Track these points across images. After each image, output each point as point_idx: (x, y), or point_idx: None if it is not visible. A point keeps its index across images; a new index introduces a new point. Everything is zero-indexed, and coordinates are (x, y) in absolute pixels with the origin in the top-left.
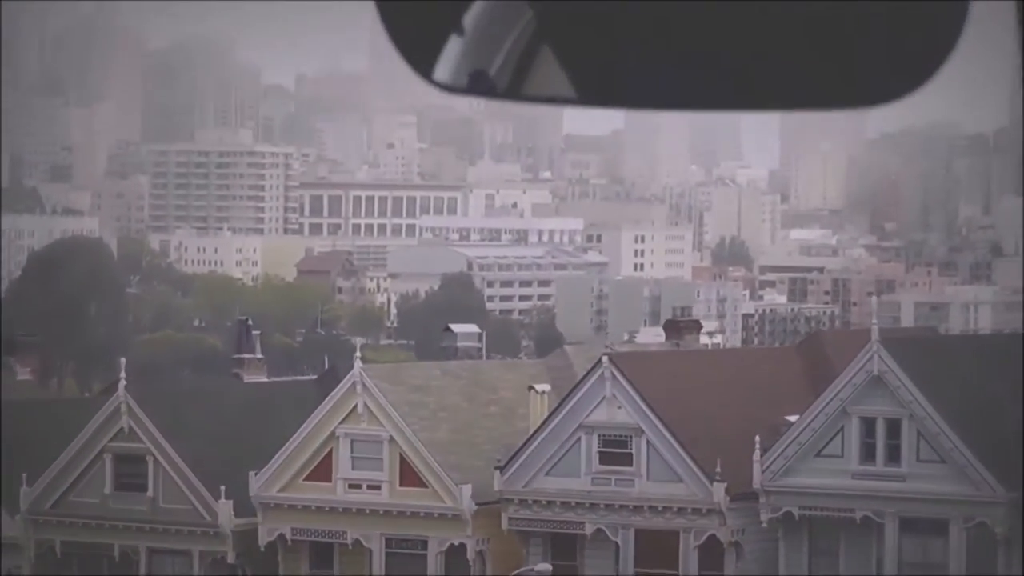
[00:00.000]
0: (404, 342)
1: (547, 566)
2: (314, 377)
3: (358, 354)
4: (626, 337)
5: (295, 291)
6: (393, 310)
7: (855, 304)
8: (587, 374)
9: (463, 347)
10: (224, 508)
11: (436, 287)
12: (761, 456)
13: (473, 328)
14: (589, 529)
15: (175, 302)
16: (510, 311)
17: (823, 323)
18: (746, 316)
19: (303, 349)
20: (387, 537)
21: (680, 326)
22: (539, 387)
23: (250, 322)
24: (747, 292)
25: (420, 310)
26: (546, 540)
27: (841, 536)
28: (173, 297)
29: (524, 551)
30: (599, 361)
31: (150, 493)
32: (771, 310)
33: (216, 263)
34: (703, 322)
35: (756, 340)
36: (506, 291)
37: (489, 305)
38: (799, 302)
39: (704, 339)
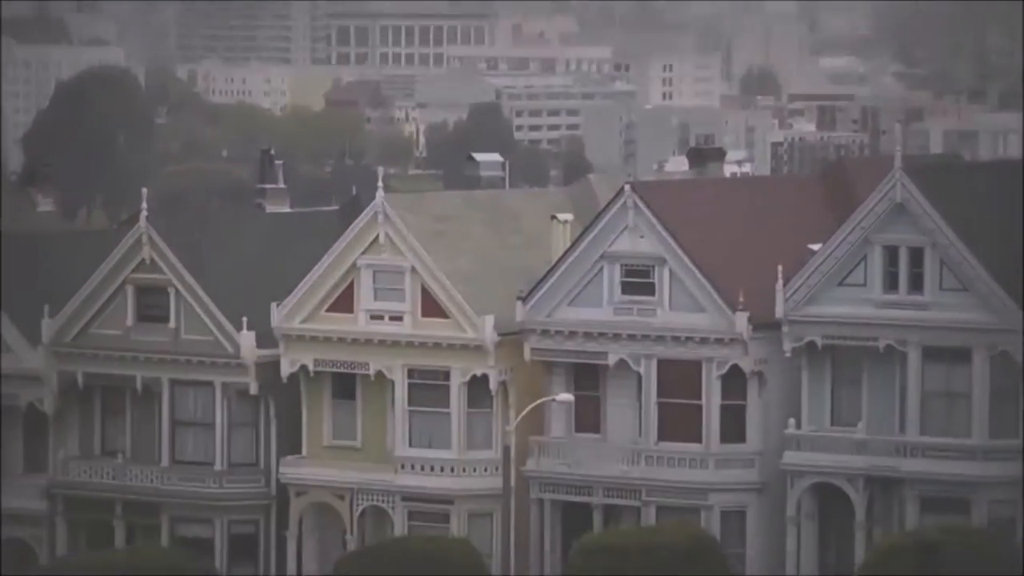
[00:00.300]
0: (432, 172)
1: (569, 396)
2: (336, 208)
3: (380, 184)
4: (655, 167)
5: (323, 121)
6: (422, 140)
7: (884, 132)
8: (609, 203)
9: (486, 176)
10: (246, 339)
11: (464, 116)
12: (784, 285)
13: (496, 157)
14: (612, 359)
15: (203, 133)
16: (538, 141)
17: (852, 151)
18: (774, 145)
19: (331, 180)
20: (409, 368)
21: (704, 154)
22: (562, 216)
23: (272, 152)
24: (776, 121)
25: (449, 140)
26: (568, 370)
27: (864, 365)
28: (201, 128)
29: (547, 381)
30: (621, 190)
31: (172, 324)
32: (800, 139)
33: (244, 93)
34: (731, 152)
35: (785, 169)
36: (534, 120)
37: (518, 135)
38: (828, 130)
39: (732, 168)
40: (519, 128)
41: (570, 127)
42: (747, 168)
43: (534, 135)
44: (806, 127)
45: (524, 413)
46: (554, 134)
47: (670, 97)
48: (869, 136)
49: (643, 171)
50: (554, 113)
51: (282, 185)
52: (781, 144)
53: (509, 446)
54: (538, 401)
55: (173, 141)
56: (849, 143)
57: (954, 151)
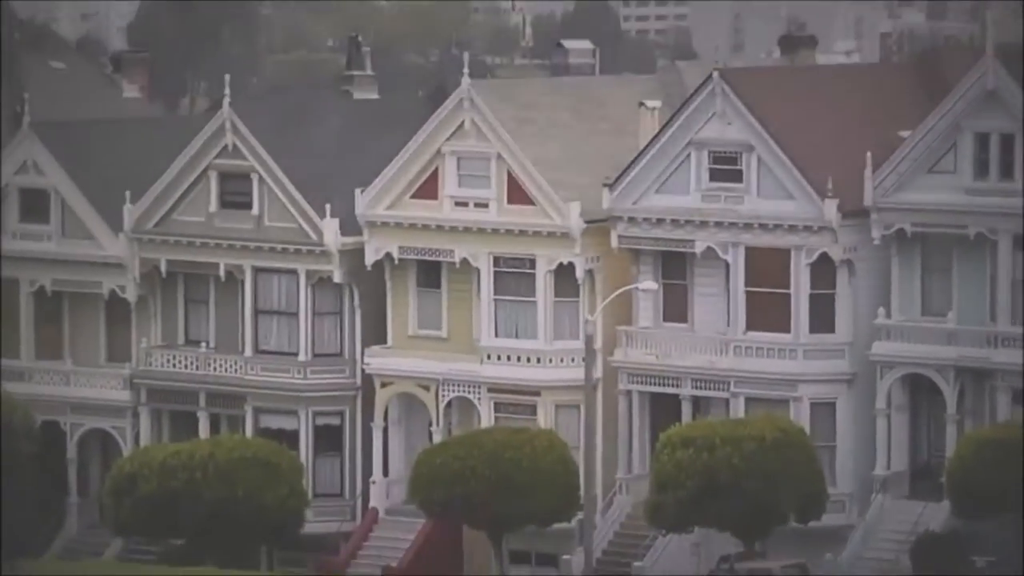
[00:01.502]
0: (539, 62)
1: (652, 284)
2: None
3: (465, 70)
4: (763, 56)
5: (430, 11)
6: (528, 30)
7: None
8: (697, 89)
9: (575, 63)
10: (330, 226)
11: (572, 8)
12: (873, 172)
13: (586, 44)
14: (699, 247)
15: (309, 23)
16: (646, 31)
17: (962, 43)
18: (884, 35)
19: (437, 70)
20: (495, 256)
21: (795, 42)
22: (649, 103)
23: (360, 38)
24: (886, 11)
25: (556, 31)
26: (656, 258)
27: (954, 253)
28: (307, 18)
29: (634, 269)
30: (709, 76)
31: (255, 211)
32: (910, 30)
33: None
34: (841, 42)
35: (894, 60)
36: (642, 11)
37: (625, 25)
38: (938, 20)
39: (841, 59)
40: (627, 19)
41: (678, 17)
42: (855, 59)
43: (642, 25)
44: (916, 17)
45: (607, 302)
46: (662, 24)
47: None
48: (980, 27)
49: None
50: (662, 3)
51: (370, 72)
52: (890, 35)
53: (591, 335)
54: (621, 289)
55: (278, 31)
56: (959, 34)
57: None
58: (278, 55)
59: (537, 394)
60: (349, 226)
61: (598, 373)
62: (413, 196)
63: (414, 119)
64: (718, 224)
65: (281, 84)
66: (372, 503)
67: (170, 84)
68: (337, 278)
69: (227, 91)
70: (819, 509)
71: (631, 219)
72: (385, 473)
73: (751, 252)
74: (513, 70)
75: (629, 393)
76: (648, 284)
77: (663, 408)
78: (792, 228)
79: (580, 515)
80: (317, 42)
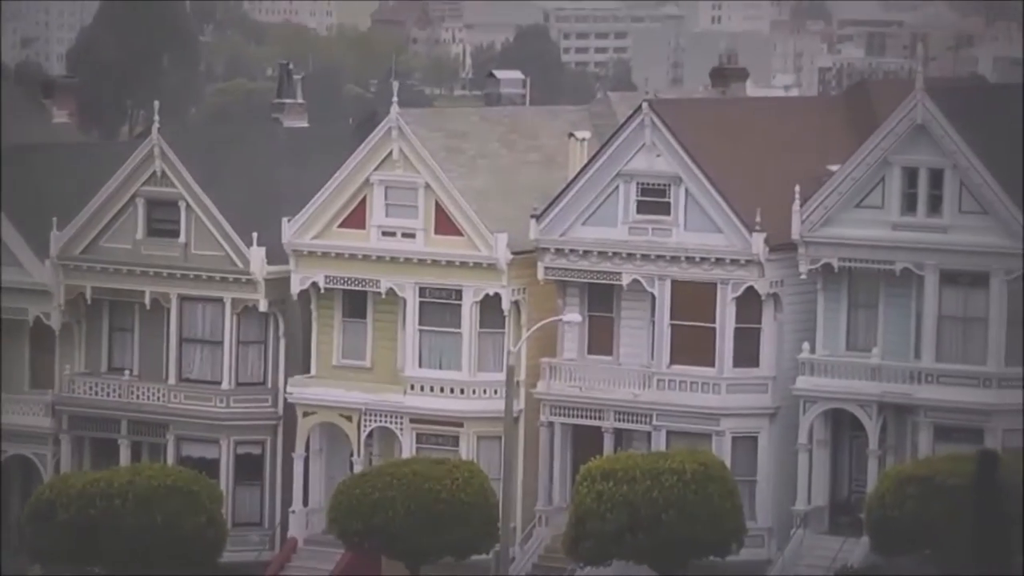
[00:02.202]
0: (479, 92)
1: (577, 316)
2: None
3: (395, 98)
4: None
5: (369, 41)
6: (468, 61)
7: (934, 59)
8: (627, 121)
9: (507, 93)
10: (256, 255)
11: (512, 38)
12: (801, 206)
13: (516, 74)
14: (626, 279)
15: (248, 51)
16: (585, 63)
17: (901, 77)
18: (823, 70)
19: (377, 100)
20: (421, 286)
21: (726, 74)
22: (579, 134)
23: (291, 66)
24: (825, 46)
25: (495, 61)
26: (582, 290)
27: (880, 289)
28: (246, 46)
29: (560, 301)
30: (639, 108)
31: (182, 239)
32: (848, 64)
33: (290, 12)
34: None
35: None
36: (582, 43)
37: (565, 57)
38: (877, 56)
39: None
40: (566, 50)
41: (617, 50)
42: (794, 93)
43: (581, 57)
44: (855, 52)
45: (529, 334)
46: (601, 57)
47: (719, 21)
48: (919, 62)
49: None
50: (602, 35)
51: (300, 100)
52: (829, 69)
53: (513, 367)
54: (544, 321)
55: (218, 59)
56: (898, 69)
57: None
58: (218, 83)
59: (460, 425)
60: (276, 255)
61: (521, 405)
62: (340, 225)
63: (344, 148)
64: (645, 256)
65: (220, 112)
66: (291, 532)
67: (109, 111)
68: (263, 307)
69: (156, 117)
70: (738, 543)
71: (558, 251)
72: (305, 503)
73: (677, 285)
74: (452, 100)
75: (551, 425)
76: (572, 316)
77: (585, 440)
78: (719, 261)
79: (498, 547)
80: (257, 70)
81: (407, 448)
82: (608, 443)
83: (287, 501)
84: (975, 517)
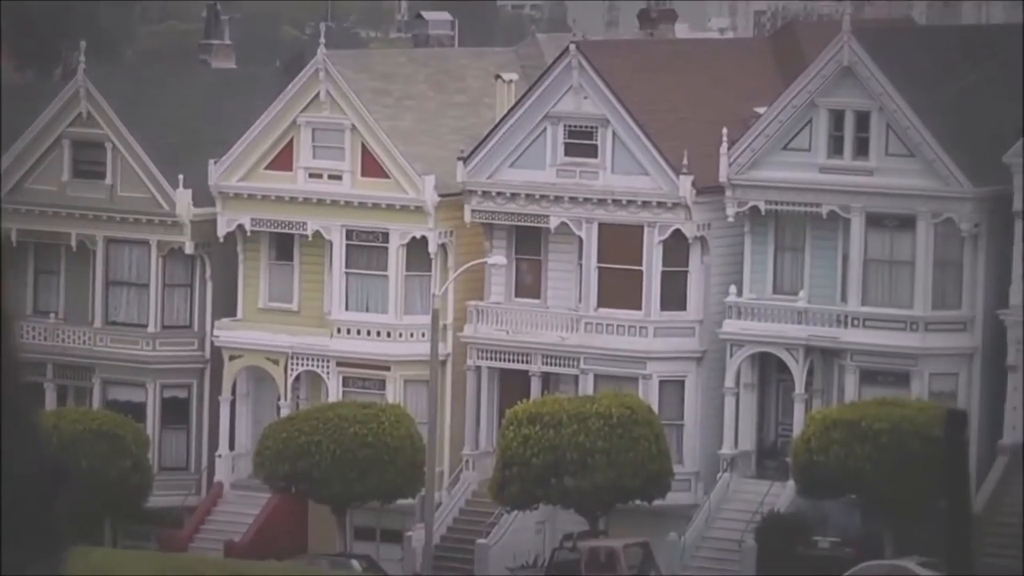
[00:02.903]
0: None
1: (501, 259)
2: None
3: (322, 40)
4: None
5: None
6: (404, 4)
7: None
8: (554, 63)
9: (435, 35)
10: (183, 197)
11: None
12: (728, 149)
13: (445, 15)
14: (553, 222)
15: None
16: (521, 6)
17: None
18: (758, 13)
19: (310, 42)
20: (348, 228)
21: (653, 15)
22: (506, 76)
23: (219, 7)
24: None
25: (431, 4)
26: (510, 233)
27: (807, 231)
28: None
29: (487, 244)
30: (566, 49)
31: (108, 181)
32: (784, 7)
33: None
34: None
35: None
36: None
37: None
38: None
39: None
40: None
41: None
42: (729, 36)
43: (518, 1)
44: None
45: (454, 277)
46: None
47: None
48: (854, 7)
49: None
50: None
51: (228, 41)
52: (764, 13)
53: (437, 310)
54: (468, 264)
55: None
56: (833, 12)
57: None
58: (152, 25)
59: (386, 369)
60: (202, 197)
61: (448, 348)
62: (267, 167)
63: (272, 90)
64: (572, 199)
65: (155, 54)
66: (217, 477)
67: (44, 53)
68: (189, 249)
69: (82, 58)
70: (664, 487)
71: (485, 193)
72: (231, 447)
73: (604, 228)
74: (387, 43)
75: (478, 369)
76: (497, 259)
77: (513, 384)
78: (646, 204)
79: (423, 491)
80: (192, 13)
81: (334, 392)
82: (535, 387)
83: (214, 445)
84: (944, 477)
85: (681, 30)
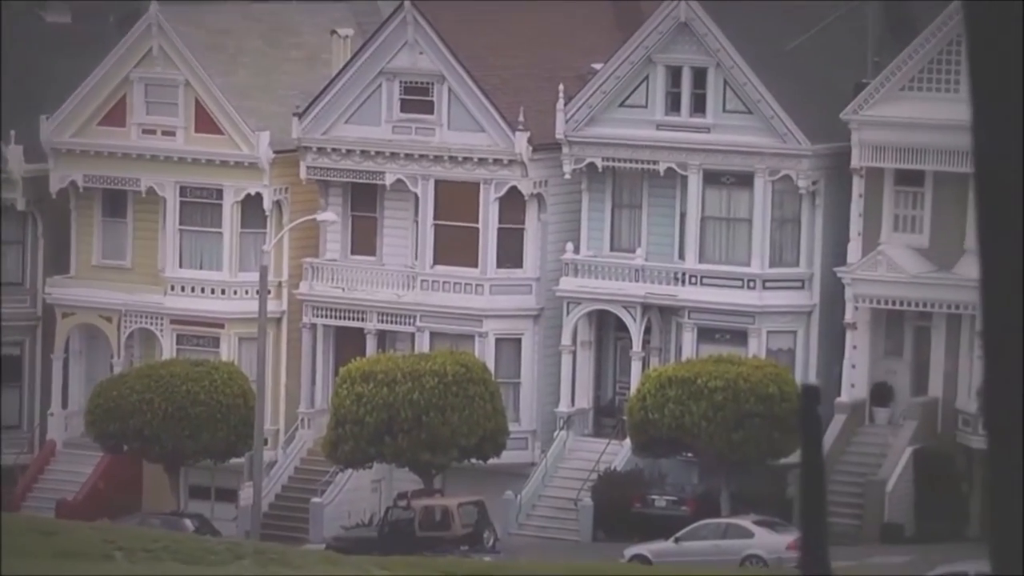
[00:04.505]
0: None
1: (332, 215)
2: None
3: None
4: None
5: None
6: None
7: None
8: (389, 18)
9: None
10: (14, 153)
11: None
12: (565, 105)
13: None
14: (389, 179)
15: None
16: None
17: None
18: None
19: None
20: (181, 185)
21: None
22: (342, 31)
23: None
24: None
25: None
26: (345, 190)
27: (644, 188)
28: None
29: (322, 201)
30: (401, 4)
31: None
32: None
33: None
34: None
35: None
36: None
37: None
38: None
39: None
40: None
41: None
42: None
43: None
44: None
45: (282, 233)
46: None
47: None
48: None
49: None
50: None
51: None
52: None
53: (266, 267)
54: (299, 220)
55: None
56: None
57: None
58: None
59: (220, 326)
60: (34, 153)
61: (283, 306)
62: (100, 123)
63: (106, 44)
64: (408, 156)
65: None
66: (50, 435)
67: None
68: (20, 206)
69: None
70: (500, 446)
71: (320, 149)
72: (64, 405)
73: (441, 185)
74: None
75: (313, 326)
76: (326, 215)
77: (349, 342)
78: (482, 161)
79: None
80: None
81: (168, 350)
82: (371, 344)
83: (47, 403)
84: (801, 453)
85: None
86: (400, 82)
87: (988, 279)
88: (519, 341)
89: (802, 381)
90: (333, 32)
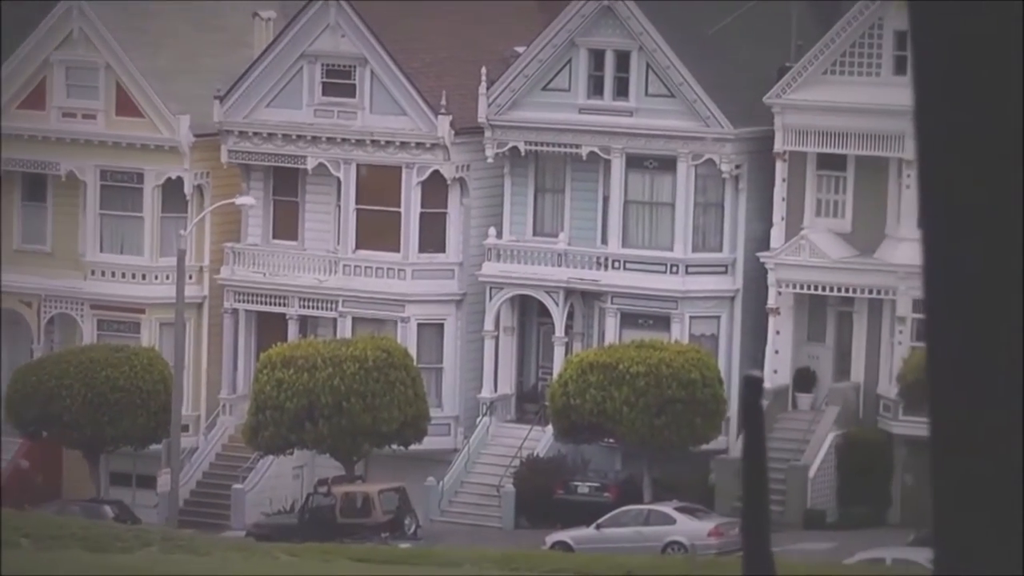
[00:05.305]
0: None
1: (249, 199)
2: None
3: None
4: None
5: None
6: None
7: None
8: (310, 0)
9: None
10: None
11: None
12: (487, 89)
13: None
14: (311, 163)
15: None
16: None
17: None
18: None
19: None
20: (102, 169)
21: None
22: (264, 13)
23: None
24: None
25: None
26: (267, 174)
27: (567, 172)
28: None
29: (244, 185)
30: None
31: None
32: None
33: None
34: None
35: None
36: None
37: None
38: None
39: None
40: None
41: None
42: None
43: None
44: None
45: (200, 217)
46: None
47: None
48: None
49: None
50: None
51: None
52: None
53: (183, 251)
54: (216, 204)
55: None
56: None
57: None
58: None
59: (141, 312)
60: None
61: (205, 291)
62: (19, 106)
63: (25, 26)
64: (330, 140)
65: None
66: None
67: None
68: None
69: None
70: (421, 432)
71: (241, 133)
72: None
73: (363, 169)
74: None
75: (235, 312)
76: (245, 199)
77: (270, 328)
78: (404, 145)
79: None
80: None
81: (88, 335)
82: (292, 330)
83: None
84: (743, 445)
85: None
86: (322, 65)
87: (931, 264)
88: (441, 326)
89: (746, 373)
90: (255, 15)
